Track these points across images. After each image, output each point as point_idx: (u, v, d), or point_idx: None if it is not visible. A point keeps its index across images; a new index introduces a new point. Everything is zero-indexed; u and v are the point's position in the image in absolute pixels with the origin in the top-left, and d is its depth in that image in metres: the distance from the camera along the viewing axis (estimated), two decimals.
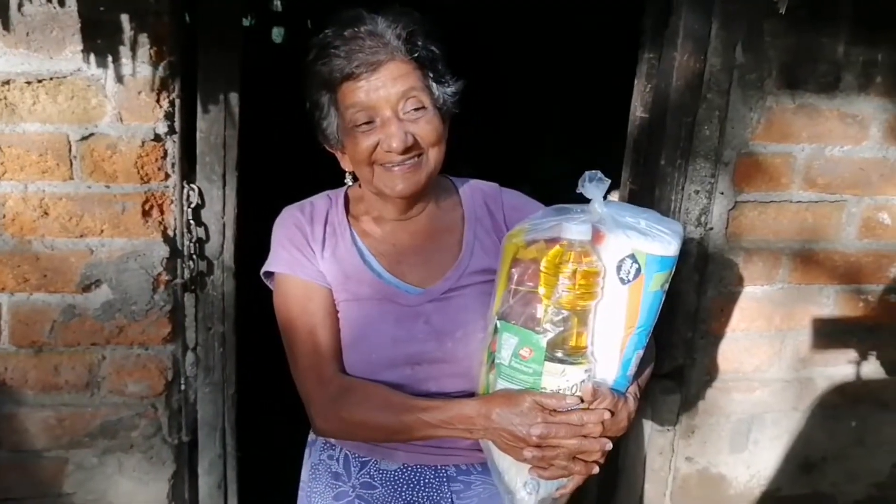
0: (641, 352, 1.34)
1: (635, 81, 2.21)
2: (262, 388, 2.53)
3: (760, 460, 2.38)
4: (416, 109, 1.39)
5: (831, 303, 2.26)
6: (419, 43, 1.40)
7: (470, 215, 1.56)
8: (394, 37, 1.38)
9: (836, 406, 2.36)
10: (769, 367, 2.28)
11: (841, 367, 2.32)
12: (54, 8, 1.70)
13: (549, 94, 4.89)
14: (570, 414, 1.27)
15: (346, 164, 1.53)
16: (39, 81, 1.75)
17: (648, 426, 2.29)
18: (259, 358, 2.38)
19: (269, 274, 1.55)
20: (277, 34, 6.22)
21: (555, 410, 1.27)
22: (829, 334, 2.29)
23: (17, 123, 1.77)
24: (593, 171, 1.30)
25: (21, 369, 1.92)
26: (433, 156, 1.43)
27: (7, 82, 1.74)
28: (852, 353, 2.31)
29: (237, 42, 1.85)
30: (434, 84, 1.43)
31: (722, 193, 2.11)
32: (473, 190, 1.60)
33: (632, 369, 1.34)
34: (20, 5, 1.69)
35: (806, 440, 2.39)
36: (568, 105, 4.79)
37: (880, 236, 2.23)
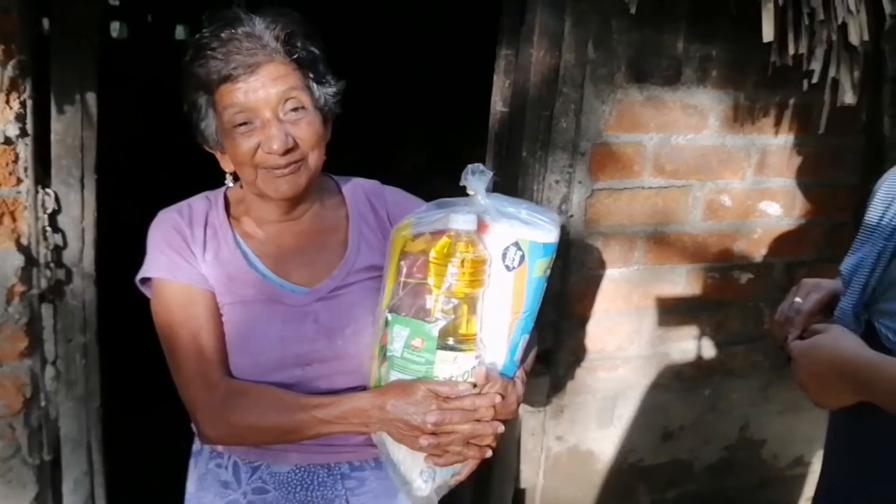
0: (528, 336, 1.39)
1: (494, 77, 2.29)
2: (134, 400, 2.43)
3: (625, 434, 2.52)
4: (295, 110, 1.38)
5: (683, 281, 2.42)
6: (298, 44, 1.39)
7: (354, 213, 1.57)
8: (272, 38, 1.36)
9: (692, 378, 2.54)
10: (630, 344, 2.42)
11: (694, 341, 2.50)
12: None
13: (409, 88, 4.94)
14: (463, 400, 1.31)
15: (226, 165, 1.49)
16: None
17: (520, 408, 2.37)
18: (127, 368, 2.28)
19: (145, 280, 1.49)
20: (116, 29, 5.98)
21: (448, 397, 1.31)
22: (682, 311, 2.45)
23: None
24: (475, 165, 1.34)
25: None
26: (314, 158, 1.43)
27: None
28: (704, 328, 2.49)
29: (93, 39, 1.77)
30: (314, 85, 1.43)
31: (580, 182, 2.22)
32: (356, 188, 1.61)
33: (519, 353, 1.39)
34: None
35: (665, 412, 2.55)
36: (428, 99, 4.85)
37: (722, 217, 2.42)
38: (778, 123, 2.42)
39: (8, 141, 1.72)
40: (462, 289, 1.28)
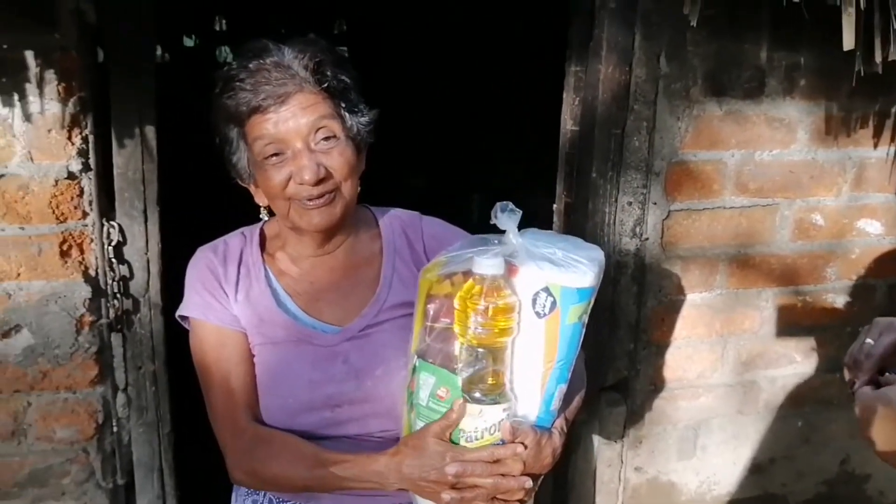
0: (564, 386, 1.31)
1: (564, 95, 2.20)
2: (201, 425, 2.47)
3: (709, 466, 2.38)
4: (326, 139, 1.35)
5: (770, 306, 2.27)
6: (328, 73, 1.35)
7: (388, 247, 1.52)
8: (301, 67, 1.33)
9: (781, 407, 2.37)
10: (712, 372, 2.28)
11: (783, 368, 2.33)
12: None
13: (491, 108, 4.90)
14: (482, 451, 1.24)
15: (259, 199, 1.47)
16: None
17: (596, 439, 2.28)
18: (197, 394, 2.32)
19: (185, 316, 1.50)
20: (223, 54, 6.17)
21: (465, 448, 1.24)
22: (769, 337, 2.30)
23: None
24: (504, 203, 1.26)
25: None
26: (347, 188, 1.39)
27: None
28: (793, 354, 2.33)
29: (150, 73, 1.80)
30: (346, 114, 1.39)
31: (655, 203, 2.11)
32: (392, 220, 1.56)
33: (555, 404, 1.31)
34: None
35: (753, 443, 2.39)
36: (508, 118, 4.79)
37: (814, 237, 2.25)
38: (877, 134, 2.23)
39: (72, 176, 1.77)
40: (487, 337, 1.20)
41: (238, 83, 1.32)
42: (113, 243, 1.84)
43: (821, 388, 2.39)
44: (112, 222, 1.84)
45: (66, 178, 1.77)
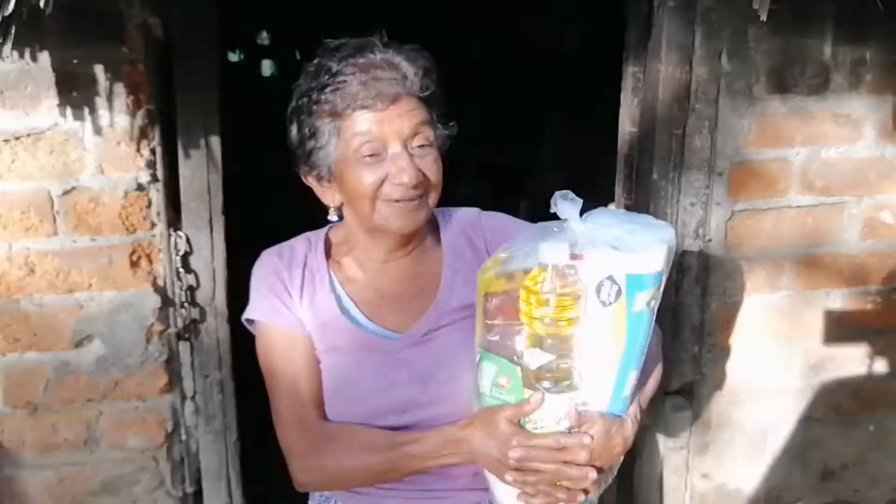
0: (636, 372, 1.29)
1: (622, 96, 2.19)
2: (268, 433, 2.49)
3: (778, 472, 2.32)
4: (422, 146, 1.36)
5: (838, 307, 2.21)
6: (430, 82, 1.37)
7: (449, 250, 1.51)
8: (411, 72, 1.34)
9: (852, 411, 2.31)
10: (780, 376, 2.23)
11: (853, 371, 2.27)
12: (27, 64, 1.69)
13: (543, 108, 4.88)
14: (548, 438, 1.24)
15: (330, 199, 1.46)
16: (17, 139, 1.74)
17: (661, 445, 2.24)
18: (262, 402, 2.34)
19: (251, 320, 1.51)
20: (267, 67, 6.26)
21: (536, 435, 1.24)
22: (838, 339, 2.23)
23: None
24: (564, 191, 1.26)
25: (18, 430, 1.90)
26: (433, 197, 1.40)
27: None
28: (864, 357, 2.26)
29: (215, 85, 1.83)
30: (437, 124, 1.40)
31: (718, 204, 2.08)
32: (452, 221, 1.55)
33: (627, 391, 1.29)
34: None
35: (823, 448, 2.33)
36: (562, 118, 4.78)
37: (884, 236, 2.19)
38: None
39: (140, 187, 1.81)
40: (552, 327, 1.20)
41: (347, 77, 1.32)
42: (180, 253, 1.87)
43: (893, 392, 2.32)
44: (179, 232, 1.87)
45: (135, 190, 1.81)
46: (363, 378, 1.41)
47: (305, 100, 1.37)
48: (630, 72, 2.13)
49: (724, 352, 2.19)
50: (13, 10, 1.38)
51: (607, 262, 1.20)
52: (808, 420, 2.28)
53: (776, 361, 2.23)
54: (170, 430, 1.96)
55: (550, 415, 1.23)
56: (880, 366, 2.28)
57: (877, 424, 2.33)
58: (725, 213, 2.09)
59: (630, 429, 1.30)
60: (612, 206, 2.28)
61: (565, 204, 1.23)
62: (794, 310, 2.19)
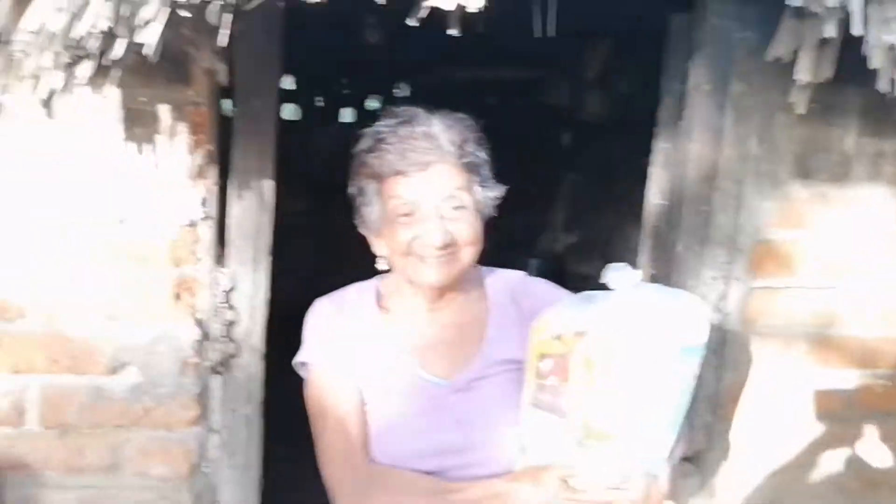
0: (675, 436, 1.36)
1: (650, 169, 2.29)
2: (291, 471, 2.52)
3: None
4: (456, 209, 1.45)
5: (849, 387, 2.28)
6: (469, 149, 1.46)
7: (494, 306, 1.60)
8: (447, 142, 1.44)
9: (855, 491, 2.36)
10: (787, 451, 2.29)
11: (859, 451, 2.33)
12: (99, 99, 1.76)
13: (557, 170, 5.00)
14: (594, 495, 1.30)
15: (378, 249, 1.57)
16: (80, 168, 1.81)
17: None
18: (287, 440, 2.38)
19: (302, 363, 1.58)
20: (290, 112, 6.40)
21: (580, 490, 1.30)
22: (846, 419, 2.30)
23: (54, 208, 1.82)
24: (617, 263, 1.35)
25: (46, 450, 1.93)
26: (467, 254, 1.48)
27: (47, 169, 1.80)
28: (871, 438, 2.33)
29: (272, 131, 1.92)
30: (478, 187, 1.49)
31: (738, 279, 2.16)
32: (499, 280, 1.64)
33: (666, 453, 1.36)
34: (57, 96, 1.73)
35: None
36: (575, 181, 4.89)
37: None
38: None
39: (192, 223, 1.88)
40: (601, 390, 1.27)
41: (387, 145, 1.43)
42: (223, 289, 1.92)
43: (894, 475, 2.38)
44: (223, 269, 1.93)
45: (186, 226, 1.87)
46: (407, 421, 1.47)
47: (357, 161, 1.51)
48: (661, 147, 2.23)
49: (735, 423, 2.25)
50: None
51: (656, 330, 1.28)
52: (814, 496, 2.33)
53: (784, 436, 2.29)
54: (194, 461, 1.99)
55: (596, 473, 1.29)
56: (886, 448, 2.34)
57: (884, 502, 2.39)
58: (744, 289, 2.17)
59: (665, 489, 1.37)
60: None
61: (616, 274, 1.32)
62: (805, 387, 2.26)
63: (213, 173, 1.89)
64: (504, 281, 1.63)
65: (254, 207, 1.93)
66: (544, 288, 1.64)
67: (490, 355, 1.53)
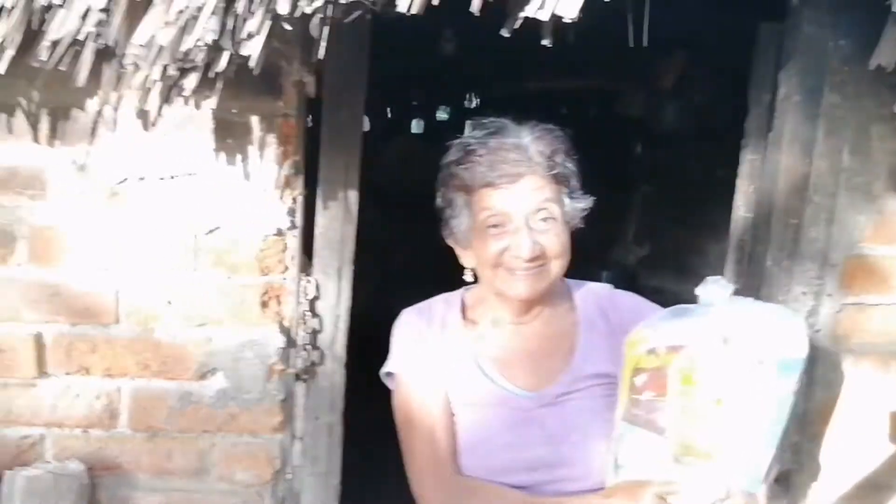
0: (773, 453, 1.33)
1: (737, 181, 2.24)
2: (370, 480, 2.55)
3: None
4: (545, 221, 1.44)
5: None
6: (559, 160, 1.45)
7: (583, 319, 1.58)
8: (537, 153, 1.43)
9: None
10: (881, 473, 2.21)
11: None
12: (193, 110, 1.81)
13: (633, 183, 4.94)
14: None
15: (466, 261, 1.57)
16: (172, 178, 1.86)
17: None
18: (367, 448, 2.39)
19: (389, 373, 1.58)
20: (417, 125, 6.49)
21: None
22: None
23: (148, 217, 1.87)
24: (714, 276, 1.32)
25: (136, 453, 1.98)
26: (556, 266, 1.47)
27: (143, 178, 1.85)
28: None
29: (358, 143, 1.94)
30: (567, 199, 1.48)
31: (829, 295, 2.10)
32: (587, 294, 1.62)
33: (764, 472, 1.32)
34: (160, 107, 1.79)
35: None
36: (650, 193, 4.83)
37: None
38: None
39: (279, 232, 1.91)
40: (697, 407, 1.25)
41: (477, 157, 1.43)
42: (309, 298, 1.95)
43: None
44: (309, 278, 1.96)
45: (273, 235, 1.90)
46: (497, 434, 1.46)
47: (445, 173, 1.50)
48: (748, 159, 2.19)
49: (824, 443, 2.18)
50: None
51: (757, 345, 1.25)
52: None
53: (873, 457, 2.21)
54: (277, 468, 2.02)
55: (695, 491, 1.26)
56: None
57: None
58: (835, 306, 2.11)
59: None
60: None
61: (714, 288, 1.29)
62: None
63: (300, 184, 1.91)
64: (592, 294, 1.61)
65: (339, 217, 1.95)
66: (633, 301, 1.61)
67: (580, 369, 1.51)
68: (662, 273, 4.38)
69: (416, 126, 6.69)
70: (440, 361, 1.52)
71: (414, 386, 1.52)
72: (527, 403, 1.49)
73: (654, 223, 4.80)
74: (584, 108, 5.30)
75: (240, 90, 1.81)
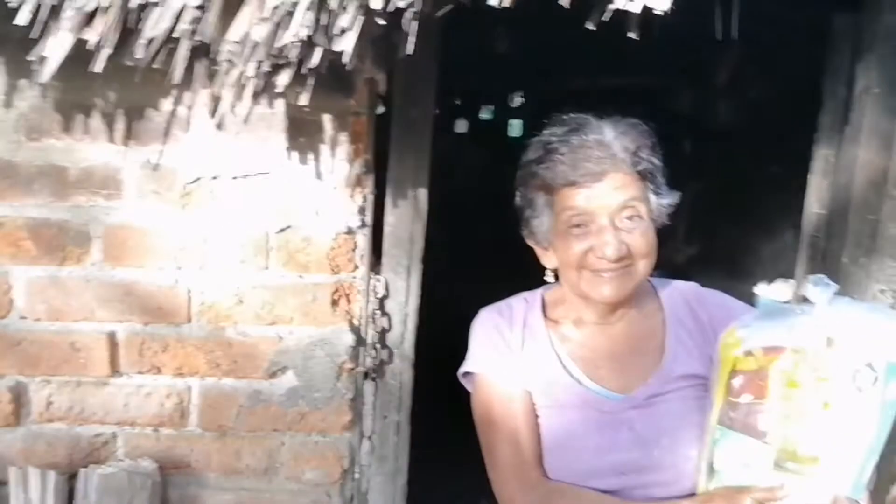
0: (875, 461, 1.28)
1: (810, 177, 2.19)
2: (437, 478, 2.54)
3: None
4: (630, 219, 1.40)
5: None
6: (643, 156, 1.40)
7: (671, 319, 1.53)
8: (621, 149, 1.38)
9: None
10: None
11: None
12: (265, 109, 1.80)
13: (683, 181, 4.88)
14: None
15: (546, 261, 1.52)
16: (245, 177, 1.86)
17: None
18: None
19: (467, 374, 1.55)
20: (516, 127, 6.46)
21: None
22: None
23: (220, 216, 1.87)
24: (818, 276, 1.28)
25: (206, 452, 1.98)
26: (642, 266, 1.42)
27: (216, 177, 1.85)
28: None
29: (428, 141, 1.92)
30: (652, 196, 1.43)
31: None
32: (674, 292, 1.57)
33: (865, 479, 1.28)
34: (233, 106, 1.79)
35: None
36: (700, 191, 4.76)
37: None
38: None
39: (350, 231, 1.90)
40: (801, 410, 1.20)
41: (558, 156, 1.38)
42: (378, 296, 1.94)
43: None
44: (378, 276, 1.95)
45: (344, 234, 1.90)
46: (584, 436, 1.43)
47: (524, 172, 1.46)
48: (822, 154, 2.14)
49: None
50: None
51: (864, 347, 1.20)
52: None
53: None
54: (346, 467, 2.01)
55: (796, 498, 1.22)
56: None
57: None
58: None
59: None
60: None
61: (817, 288, 1.25)
62: None
63: (370, 182, 1.91)
64: (679, 292, 1.56)
65: (408, 216, 1.94)
66: (721, 299, 1.56)
67: (670, 370, 1.46)
68: (713, 272, 4.33)
69: (461, 126, 6.65)
70: (523, 361, 1.49)
71: (496, 386, 1.48)
72: (615, 406, 1.45)
73: (704, 221, 4.74)
74: (631, 106, 5.25)
75: (312, 88, 1.81)
